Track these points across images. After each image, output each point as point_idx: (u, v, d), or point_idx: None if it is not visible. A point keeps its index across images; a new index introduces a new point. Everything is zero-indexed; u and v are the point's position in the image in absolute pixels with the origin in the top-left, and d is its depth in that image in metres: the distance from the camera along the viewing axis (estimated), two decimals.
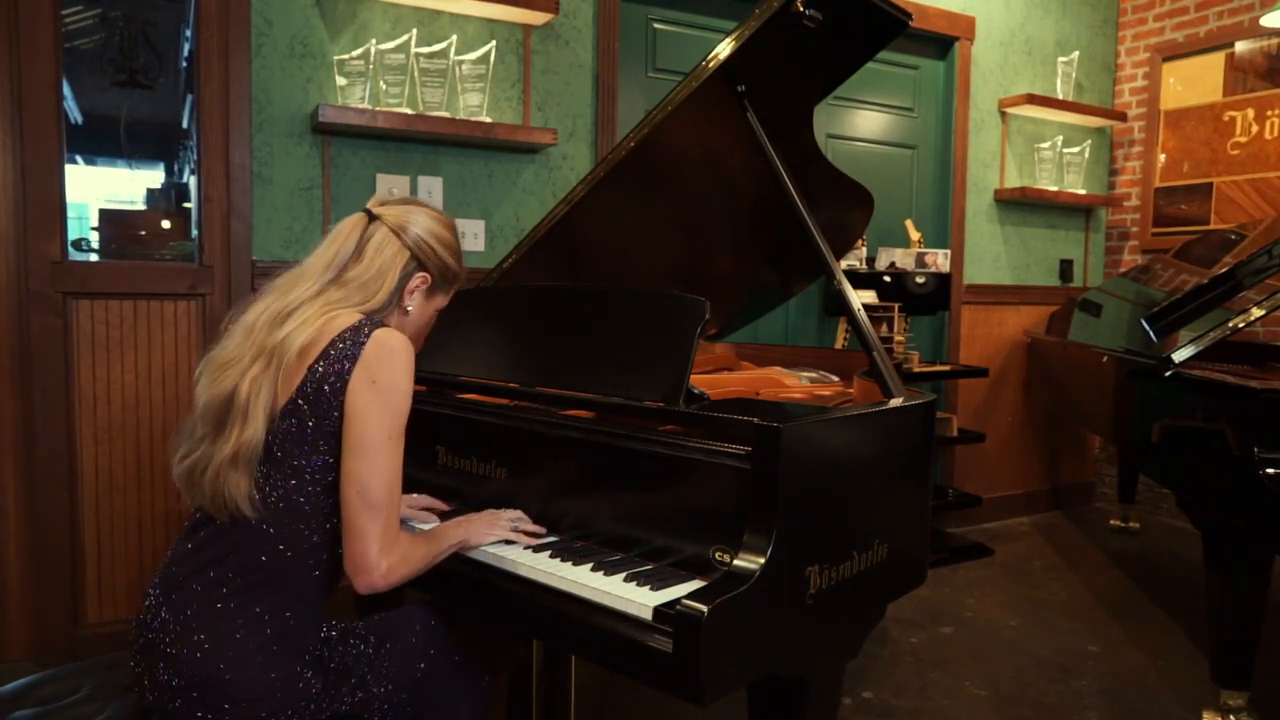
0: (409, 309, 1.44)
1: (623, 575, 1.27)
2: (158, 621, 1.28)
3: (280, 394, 1.28)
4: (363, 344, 1.28)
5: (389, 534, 1.26)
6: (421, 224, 1.42)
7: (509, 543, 1.45)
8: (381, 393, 1.26)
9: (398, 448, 1.28)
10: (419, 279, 1.43)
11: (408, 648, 1.42)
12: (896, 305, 3.54)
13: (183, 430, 1.34)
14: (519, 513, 1.52)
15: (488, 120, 2.83)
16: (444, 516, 1.63)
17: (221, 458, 1.25)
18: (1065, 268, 4.49)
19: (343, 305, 1.34)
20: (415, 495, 1.69)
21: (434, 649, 1.45)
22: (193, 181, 2.60)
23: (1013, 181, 4.24)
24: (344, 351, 1.27)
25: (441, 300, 1.51)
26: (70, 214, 2.42)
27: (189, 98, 2.62)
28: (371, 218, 1.42)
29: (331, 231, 1.43)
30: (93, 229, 2.54)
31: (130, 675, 1.34)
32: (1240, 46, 4.05)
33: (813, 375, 2.29)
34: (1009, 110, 4.17)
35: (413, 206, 1.45)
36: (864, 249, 3.69)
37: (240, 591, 1.27)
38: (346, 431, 1.27)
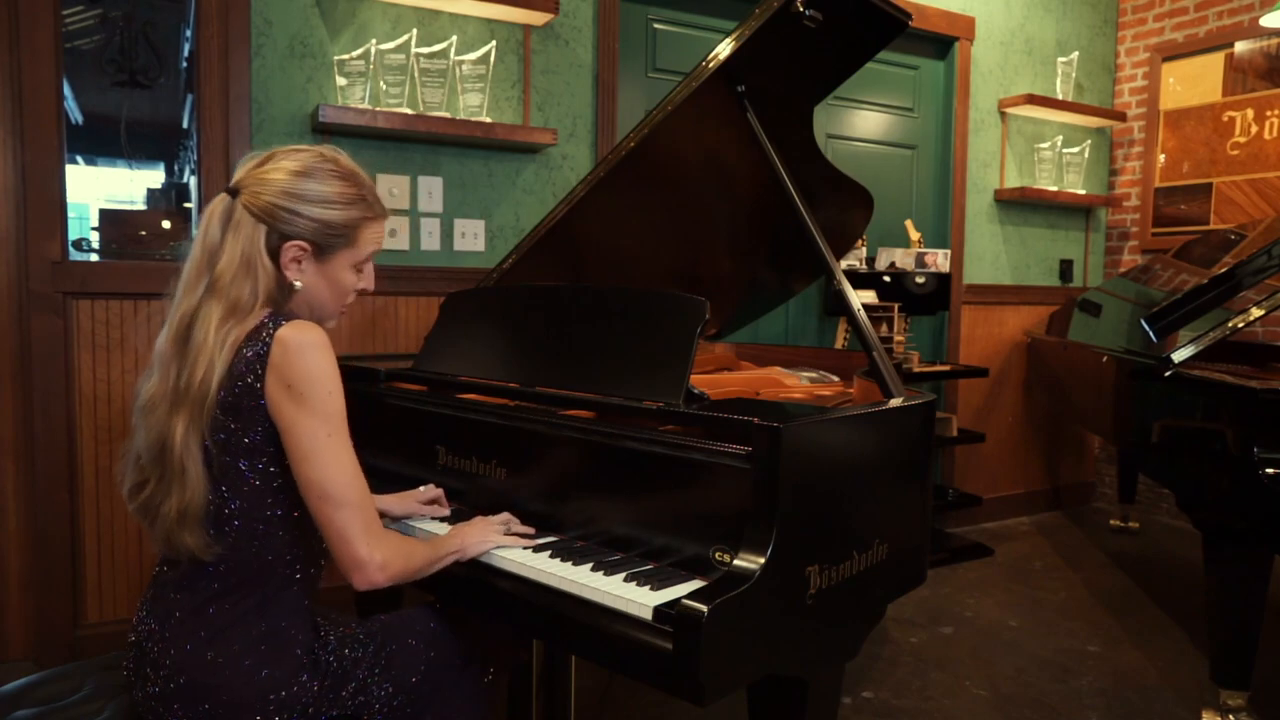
0: (297, 284, 1.28)
1: (623, 575, 1.27)
2: (145, 629, 1.27)
3: (209, 436, 1.21)
4: (266, 349, 1.19)
5: (370, 527, 1.22)
6: (274, 185, 1.24)
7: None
8: (300, 397, 1.18)
9: (343, 442, 1.21)
10: (293, 249, 1.26)
11: (409, 650, 1.42)
12: (896, 305, 3.54)
13: (128, 455, 1.28)
14: (507, 515, 1.51)
15: (488, 120, 2.83)
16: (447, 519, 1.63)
17: (169, 519, 1.21)
18: (1065, 268, 4.49)
19: (235, 316, 1.22)
20: (422, 488, 1.68)
21: (435, 651, 1.45)
22: (193, 181, 2.61)
23: (1012, 181, 4.24)
24: (248, 363, 1.20)
25: (350, 256, 1.32)
26: (70, 214, 2.42)
27: (189, 98, 2.62)
28: (233, 194, 1.25)
29: (200, 220, 1.28)
30: (93, 229, 2.55)
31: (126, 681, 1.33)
32: (1240, 46, 4.05)
33: (813, 375, 2.29)
34: (1009, 110, 4.17)
35: (267, 165, 1.26)
36: (864, 249, 3.70)
37: (222, 595, 1.25)
38: (285, 443, 1.21)
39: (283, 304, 1.30)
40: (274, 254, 1.25)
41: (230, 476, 1.23)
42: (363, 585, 1.24)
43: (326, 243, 1.28)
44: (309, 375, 1.19)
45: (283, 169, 1.26)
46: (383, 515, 1.57)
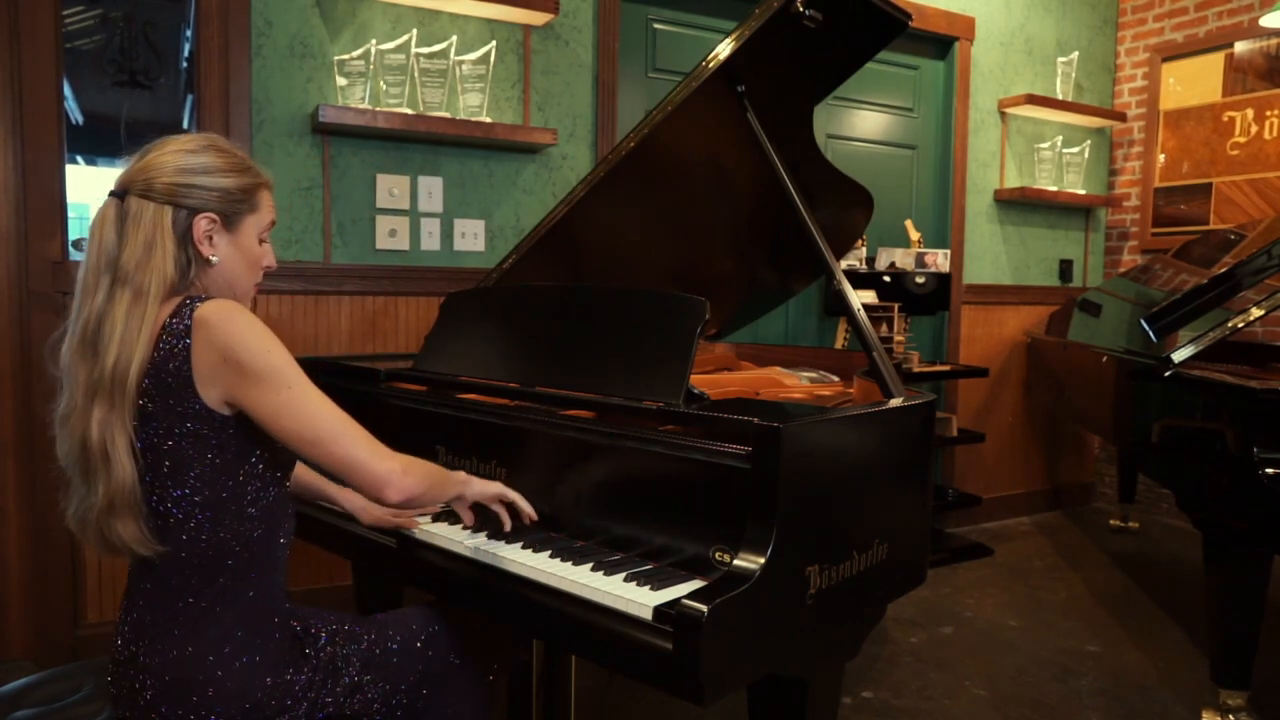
0: (213, 258, 1.26)
1: (623, 575, 1.27)
2: (121, 640, 1.27)
3: (133, 426, 1.18)
4: (187, 335, 1.17)
5: (374, 446, 1.23)
6: (166, 168, 1.23)
7: (507, 541, 1.45)
8: (240, 366, 1.16)
9: (305, 390, 1.19)
10: (204, 221, 1.24)
11: (405, 649, 1.42)
12: (896, 305, 3.54)
13: (70, 486, 1.25)
14: (518, 495, 1.48)
15: (488, 120, 2.83)
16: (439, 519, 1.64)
17: (98, 509, 1.17)
18: (1065, 268, 4.49)
19: (144, 302, 1.19)
20: None
21: (433, 650, 1.45)
22: None
23: (1012, 181, 4.24)
24: (173, 349, 1.17)
25: (255, 221, 1.31)
26: (71, 214, 2.42)
27: (189, 98, 2.62)
28: (120, 196, 1.23)
29: (90, 230, 1.25)
30: None
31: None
32: (1240, 47, 4.05)
33: (813, 375, 2.29)
34: (1009, 110, 4.17)
35: (150, 156, 1.25)
36: (864, 249, 3.70)
37: (183, 588, 1.23)
38: (252, 417, 1.19)
39: (193, 286, 1.27)
40: (183, 234, 1.23)
41: (165, 466, 1.20)
42: (396, 497, 1.23)
43: (232, 210, 1.27)
44: (242, 343, 1.17)
45: (168, 153, 1.25)
46: (332, 510, 1.62)
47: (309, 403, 1.20)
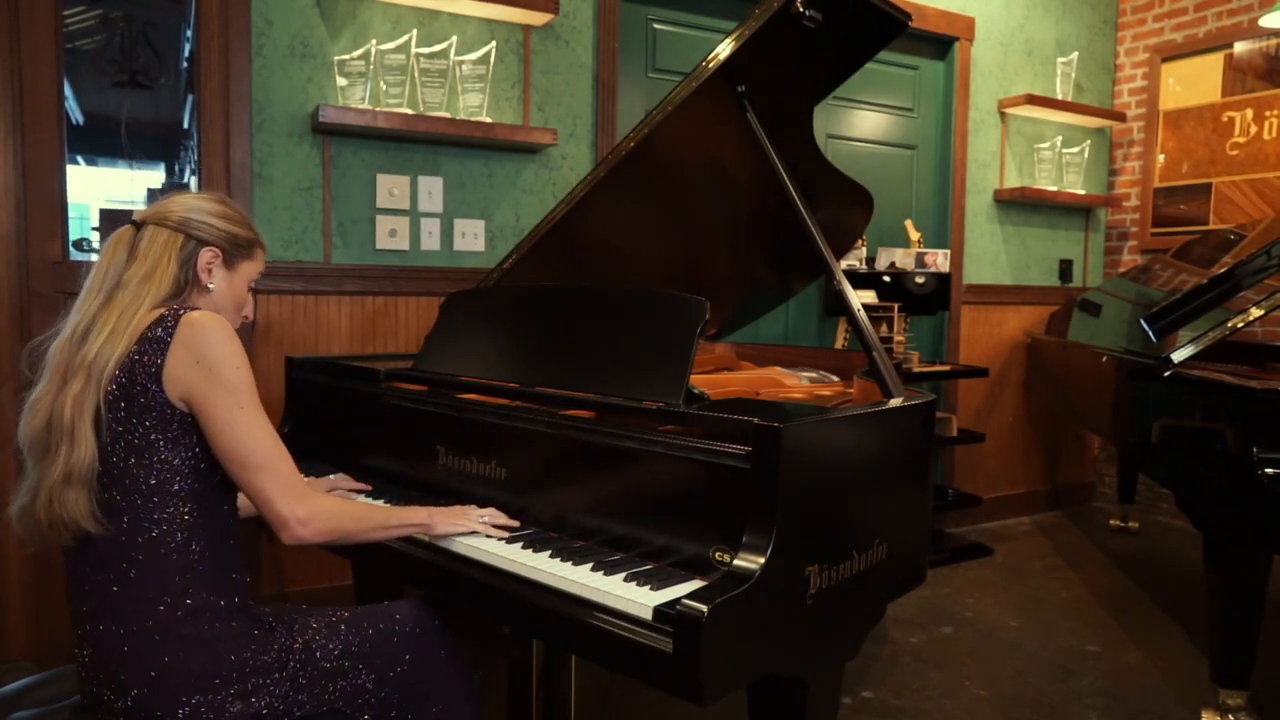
0: (210, 286, 1.40)
1: (623, 575, 1.27)
2: (84, 656, 1.29)
3: (103, 405, 1.26)
4: (171, 331, 1.27)
5: (290, 486, 1.29)
6: (183, 205, 1.39)
7: (506, 541, 1.45)
8: (212, 373, 1.26)
9: (258, 413, 1.29)
10: (208, 254, 1.39)
11: (392, 638, 1.43)
12: (896, 305, 3.54)
13: (22, 476, 1.31)
14: (493, 510, 1.53)
15: (488, 120, 2.83)
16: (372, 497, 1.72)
17: (51, 481, 1.23)
18: (1065, 268, 4.49)
19: (137, 306, 1.30)
20: (333, 476, 1.77)
21: (421, 642, 1.45)
22: (193, 181, 2.61)
23: (1012, 182, 4.24)
24: (152, 344, 1.26)
25: (250, 268, 1.47)
26: (71, 214, 2.42)
27: (189, 98, 2.62)
28: (137, 226, 1.39)
29: (102, 247, 1.39)
30: (94, 229, 2.54)
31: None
32: (1239, 47, 4.05)
33: (813, 375, 2.29)
34: (1008, 110, 4.17)
35: (173, 196, 1.41)
36: (864, 249, 3.70)
37: (134, 578, 1.26)
38: (200, 420, 1.28)
39: (185, 303, 1.37)
40: (187, 259, 1.37)
41: (119, 451, 1.26)
42: (289, 541, 1.30)
43: (234, 251, 1.43)
44: (217, 353, 1.27)
45: (189, 197, 1.42)
46: None
47: (253, 428, 1.28)
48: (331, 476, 1.79)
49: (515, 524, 1.51)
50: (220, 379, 1.27)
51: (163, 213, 1.38)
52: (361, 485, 1.79)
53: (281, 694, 1.31)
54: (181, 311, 1.30)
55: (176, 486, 1.29)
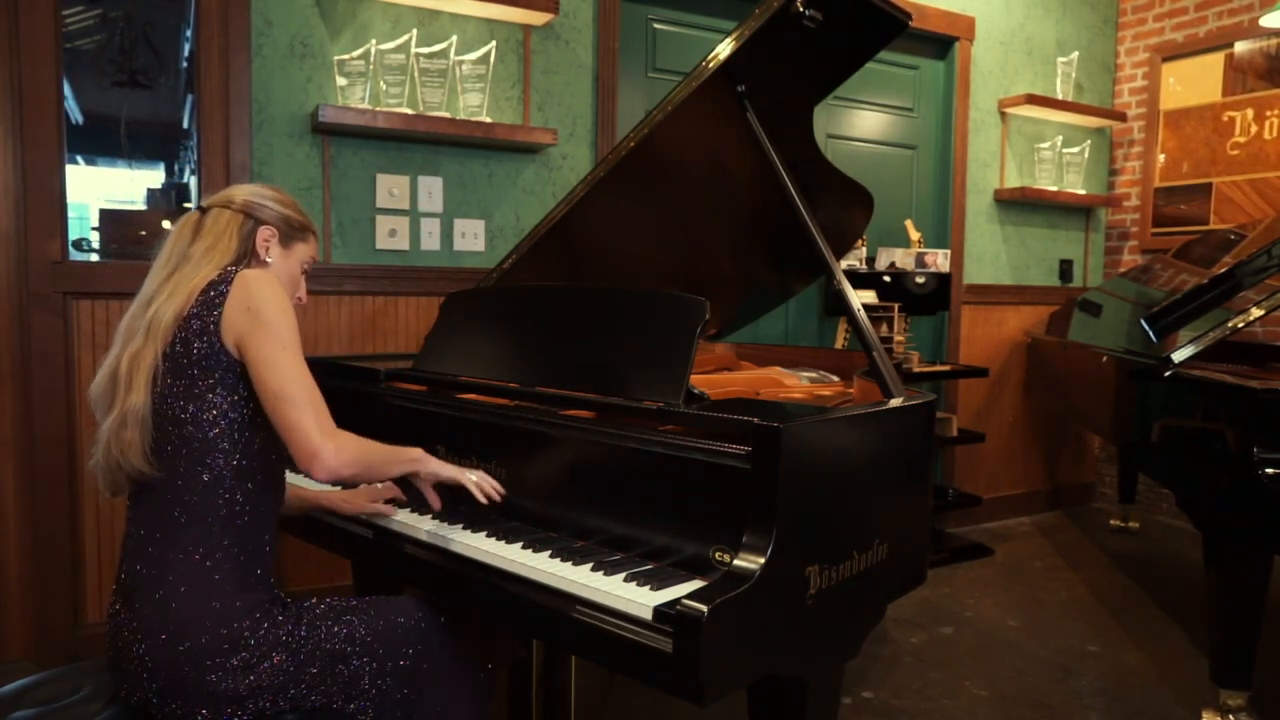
0: (268, 260, 1.51)
1: (623, 575, 1.27)
2: (115, 607, 1.36)
3: (161, 359, 1.35)
4: (227, 287, 1.36)
5: (322, 420, 1.34)
6: (245, 191, 1.52)
7: (506, 541, 1.45)
8: (259, 315, 1.34)
9: (299, 354, 1.37)
10: (266, 232, 1.51)
11: (396, 629, 1.44)
12: (896, 305, 3.54)
13: (97, 432, 1.41)
14: (482, 473, 1.53)
15: (488, 120, 2.83)
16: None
17: (111, 427, 1.35)
18: (1065, 268, 4.49)
19: (196, 272, 1.40)
20: (362, 489, 1.73)
21: (426, 637, 1.46)
22: (193, 181, 2.61)
23: (1012, 181, 4.24)
24: (211, 299, 1.36)
25: (304, 250, 1.58)
26: (71, 214, 2.42)
27: (189, 98, 2.62)
28: (203, 210, 1.50)
29: (171, 230, 1.50)
30: (93, 229, 2.55)
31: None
32: (1240, 47, 4.05)
33: (813, 375, 2.29)
34: (1009, 110, 4.17)
35: (235, 185, 1.56)
36: (864, 249, 3.70)
37: (178, 529, 1.33)
38: (246, 359, 1.35)
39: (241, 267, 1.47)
40: (247, 235, 1.49)
41: (181, 401, 1.35)
42: (322, 473, 1.33)
43: (290, 233, 1.55)
44: (264, 297, 1.36)
45: (248, 186, 1.54)
46: (331, 513, 1.69)
47: (290, 365, 1.35)
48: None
49: (504, 491, 1.51)
50: (265, 321, 1.34)
51: (227, 197, 1.50)
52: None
53: (283, 669, 1.33)
54: (236, 269, 1.40)
55: (230, 435, 1.36)
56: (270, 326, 1.34)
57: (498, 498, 1.50)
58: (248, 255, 1.48)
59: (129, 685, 1.32)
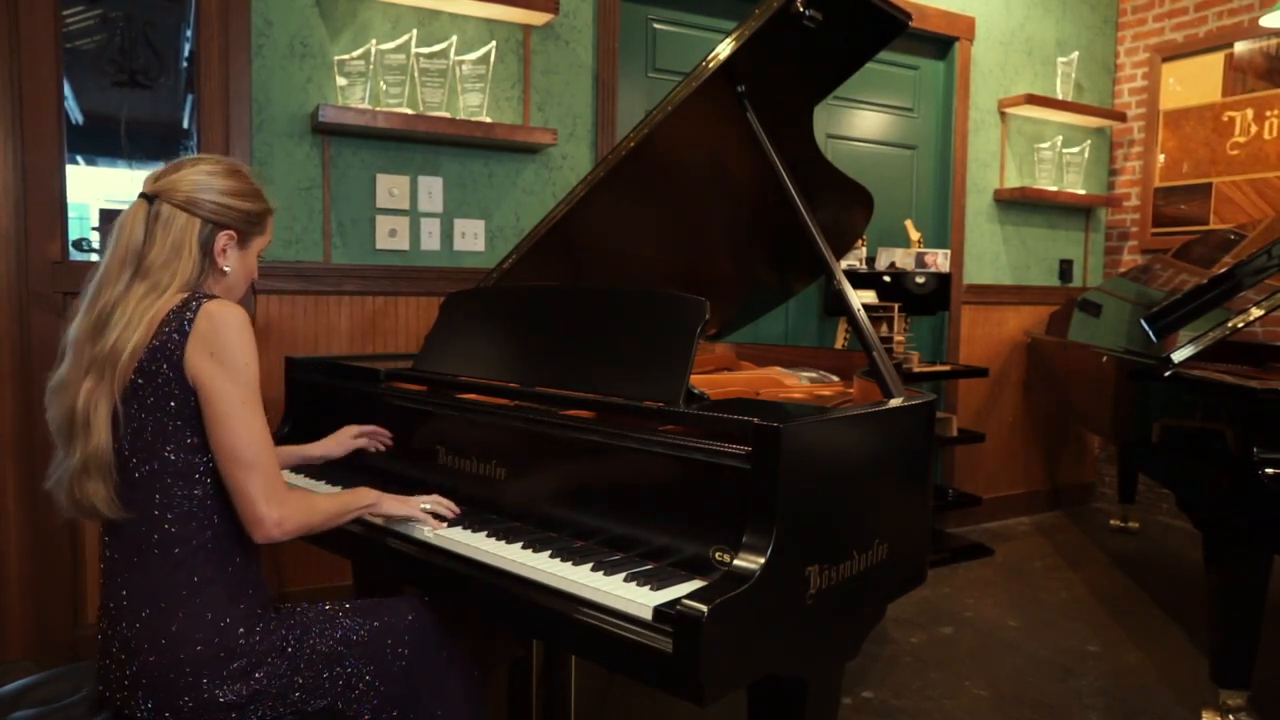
0: (226, 269, 1.42)
1: (623, 575, 1.27)
2: (103, 626, 1.34)
3: (119, 398, 1.30)
4: (191, 320, 1.30)
5: (270, 488, 1.31)
6: (200, 185, 1.38)
7: (507, 541, 1.45)
8: (223, 365, 1.30)
9: (257, 410, 1.33)
10: (224, 237, 1.41)
11: (393, 632, 1.44)
12: (896, 305, 3.54)
13: (55, 453, 1.37)
14: (436, 496, 1.58)
15: (488, 120, 2.83)
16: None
17: (72, 470, 1.30)
18: (1065, 268, 4.49)
19: (157, 294, 1.33)
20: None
21: (421, 638, 1.46)
22: None
23: (1012, 181, 4.24)
24: (171, 333, 1.30)
25: (261, 241, 1.49)
26: (71, 214, 2.42)
27: (189, 98, 2.62)
28: (150, 199, 1.38)
29: (115, 225, 1.39)
30: (93, 229, 2.54)
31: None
32: (1239, 47, 4.05)
33: (813, 375, 2.29)
34: (1009, 110, 4.17)
35: (185, 169, 1.40)
36: (864, 249, 3.70)
37: (157, 555, 1.31)
38: (202, 408, 1.31)
39: (202, 286, 1.40)
40: (205, 243, 1.39)
41: (147, 435, 1.31)
42: (260, 539, 1.33)
43: (248, 230, 1.45)
44: (232, 345, 1.31)
45: (202, 171, 1.40)
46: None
47: (250, 425, 1.31)
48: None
49: (457, 510, 1.56)
50: (230, 371, 1.30)
51: (180, 191, 1.37)
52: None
53: (278, 675, 1.32)
54: (202, 300, 1.33)
55: (199, 465, 1.33)
56: (233, 379, 1.30)
57: (454, 514, 1.55)
58: (206, 270, 1.39)
59: (121, 700, 1.31)
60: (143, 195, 1.39)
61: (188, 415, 1.32)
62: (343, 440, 1.84)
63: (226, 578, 1.34)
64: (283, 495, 1.33)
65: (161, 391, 1.30)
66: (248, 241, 1.45)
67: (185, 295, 1.34)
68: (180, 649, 1.28)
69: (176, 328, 1.30)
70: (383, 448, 1.84)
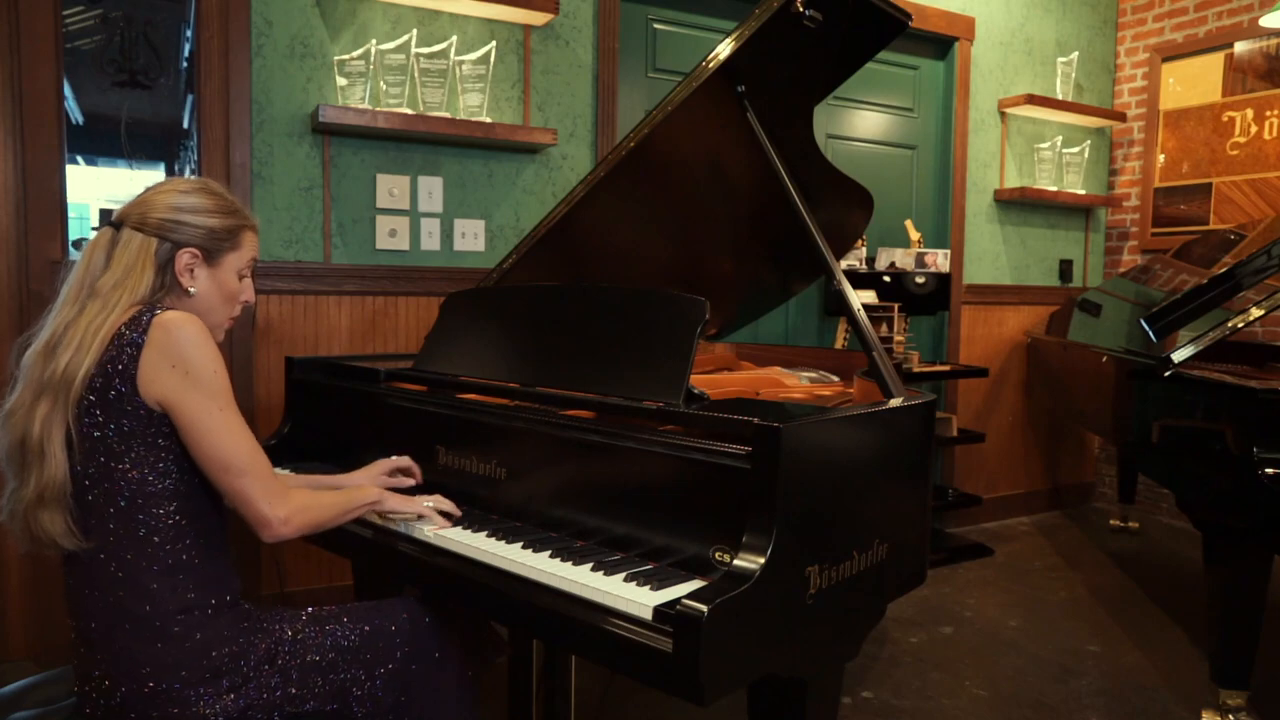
0: (192, 290, 1.36)
1: (623, 575, 1.27)
2: (80, 651, 1.30)
3: (73, 421, 1.25)
4: (144, 334, 1.25)
5: (270, 487, 1.30)
6: (159, 205, 1.34)
7: (507, 541, 1.45)
8: (188, 375, 1.25)
9: (235, 414, 1.30)
10: (187, 255, 1.35)
11: (385, 636, 1.43)
12: (896, 305, 3.54)
13: (5, 482, 1.32)
14: (439, 496, 1.58)
15: (488, 120, 2.83)
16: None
17: (26, 501, 1.25)
18: (1065, 268, 4.49)
19: (107, 315, 1.28)
20: (428, 500, 1.65)
21: (414, 640, 1.46)
22: None
23: (1012, 182, 4.24)
24: (124, 347, 1.25)
25: (238, 257, 1.41)
26: (71, 214, 2.42)
27: (189, 98, 2.62)
28: (115, 227, 1.35)
29: (81, 251, 1.36)
30: (93, 229, 2.55)
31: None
32: (1239, 47, 4.05)
33: (813, 375, 2.29)
34: (1009, 110, 4.17)
35: (150, 193, 1.37)
36: (864, 249, 3.70)
37: (123, 579, 1.27)
38: (177, 422, 1.27)
39: (158, 306, 1.34)
40: (164, 263, 1.34)
41: (100, 458, 1.26)
42: (270, 539, 1.32)
43: (215, 247, 1.38)
44: (192, 355, 1.26)
45: (165, 192, 1.37)
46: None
47: (233, 432, 1.29)
48: (428, 502, 1.57)
49: (458, 512, 1.56)
50: (198, 382, 1.26)
51: (139, 214, 1.34)
52: (456, 510, 1.59)
53: (272, 686, 1.32)
54: (155, 311, 1.28)
55: (159, 486, 1.29)
56: (203, 389, 1.25)
57: (449, 521, 1.54)
58: (167, 287, 1.34)
59: None
60: (108, 223, 1.36)
61: (147, 435, 1.27)
62: (374, 474, 1.70)
63: (207, 598, 1.30)
64: (281, 492, 1.32)
65: (114, 410, 1.25)
66: (217, 258, 1.39)
67: (137, 309, 1.29)
68: (163, 678, 1.25)
69: (129, 341, 1.25)
70: (412, 483, 1.71)
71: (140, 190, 1.39)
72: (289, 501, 1.32)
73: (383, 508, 1.53)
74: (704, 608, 1.08)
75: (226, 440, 1.27)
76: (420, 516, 1.54)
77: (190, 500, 1.32)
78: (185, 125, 2.68)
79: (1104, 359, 2.97)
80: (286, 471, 1.82)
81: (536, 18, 2.90)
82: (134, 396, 1.25)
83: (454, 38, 2.82)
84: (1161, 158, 4.38)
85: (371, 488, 1.53)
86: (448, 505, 1.56)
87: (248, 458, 1.29)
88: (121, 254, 1.32)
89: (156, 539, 1.28)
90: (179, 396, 1.26)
